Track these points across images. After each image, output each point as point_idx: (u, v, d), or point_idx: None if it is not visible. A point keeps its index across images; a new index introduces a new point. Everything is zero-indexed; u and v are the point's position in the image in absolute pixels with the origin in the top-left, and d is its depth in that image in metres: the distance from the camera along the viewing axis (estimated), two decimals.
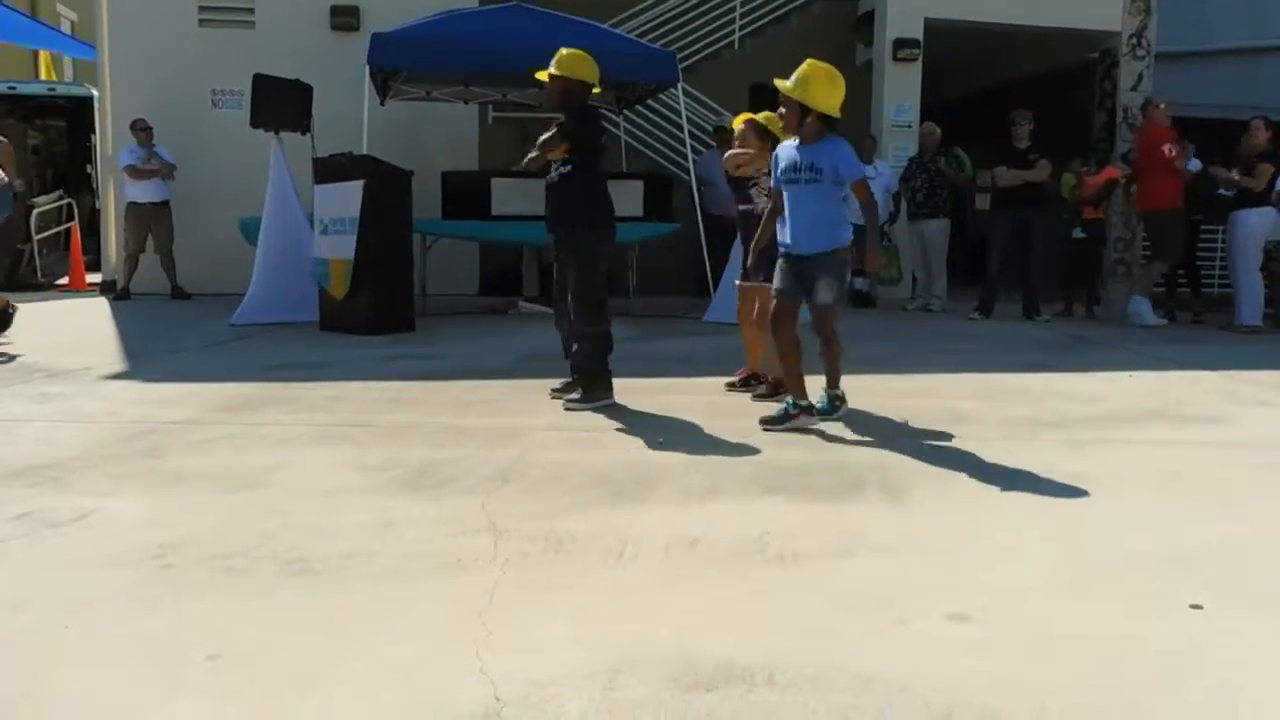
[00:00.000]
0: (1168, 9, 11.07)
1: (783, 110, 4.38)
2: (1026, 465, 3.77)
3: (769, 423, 4.37)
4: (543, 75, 4.81)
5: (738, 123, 5.23)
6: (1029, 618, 2.33)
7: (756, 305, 5.13)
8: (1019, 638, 2.22)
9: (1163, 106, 9.35)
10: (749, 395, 5.14)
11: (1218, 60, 13.22)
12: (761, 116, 5.14)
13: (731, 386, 5.29)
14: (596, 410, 4.66)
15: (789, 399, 4.44)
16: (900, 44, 11.56)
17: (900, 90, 11.65)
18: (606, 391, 4.78)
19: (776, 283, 4.48)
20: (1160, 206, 9.20)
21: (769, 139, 5.06)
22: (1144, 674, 2.05)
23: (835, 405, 4.50)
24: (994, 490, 3.46)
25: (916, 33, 11.56)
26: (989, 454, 3.95)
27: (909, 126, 11.48)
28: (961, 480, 3.58)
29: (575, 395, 4.76)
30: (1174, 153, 8.98)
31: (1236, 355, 7.20)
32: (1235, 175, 8.83)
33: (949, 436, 4.26)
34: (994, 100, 13.52)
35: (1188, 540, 2.95)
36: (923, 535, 2.95)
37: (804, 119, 4.27)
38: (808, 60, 4.31)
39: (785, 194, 4.43)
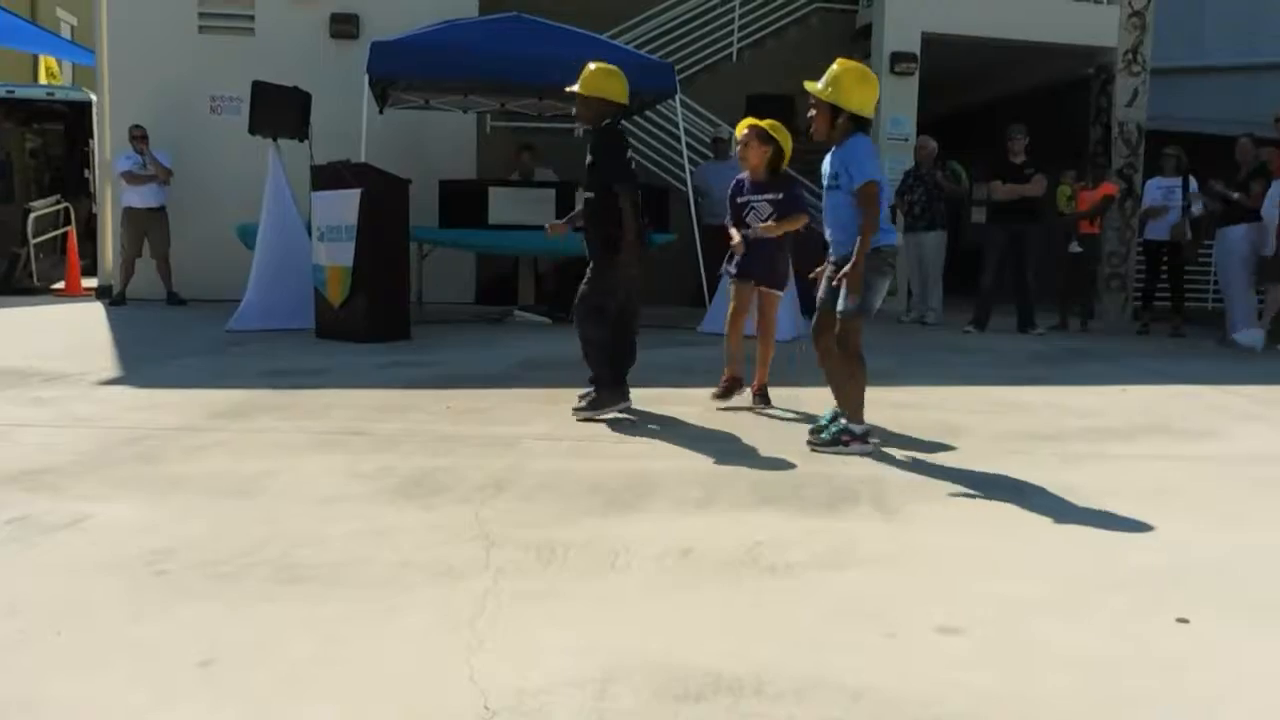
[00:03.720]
0: (1164, 25, 11.13)
1: (812, 113, 4.17)
2: (1020, 479, 3.79)
3: (819, 445, 4.18)
4: (571, 90, 4.77)
5: (740, 130, 5.24)
6: (1019, 631, 2.34)
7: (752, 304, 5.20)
8: (1009, 651, 2.22)
9: None
10: (746, 407, 5.14)
11: (1213, 77, 13.30)
12: (766, 123, 5.19)
13: (718, 397, 5.15)
14: (598, 419, 4.64)
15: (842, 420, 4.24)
16: (897, 57, 11.63)
17: (897, 103, 11.71)
18: (616, 400, 4.72)
19: (819, 292, 4.35)
20: None
21: (770, 144, 5.11)
22: (1131, 687, 2.06)
23: (839, 440, 4.13)
24: (987, 503, 3.48)
25: (914, 46, 11.63)
26: (983, 467, 3.96)
27: (906, 140, 11.54)
28: (955, 493, 3.59)
29: (583, 404, 4.74)
30: None
31: (1230, 369, 7.24)
32: (1234, 195, 8.87)
33: (943, 449, 4.27)
34: (990, 114, 13.60)
35: (1180, 554, 2.96)
36: (914, 547, 2.96)
37: (834, 121, 4.10)
38: (838, 59, 4.16)
39: (824, 199, 4.31)
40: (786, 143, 5.17)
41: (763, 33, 12.54)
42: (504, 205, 9.29)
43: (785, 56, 12.26)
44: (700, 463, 3.93)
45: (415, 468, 3.71)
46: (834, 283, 4.18)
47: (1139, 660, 2.20)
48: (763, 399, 5.16)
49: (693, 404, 5.19)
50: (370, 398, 5.17)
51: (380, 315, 7.46)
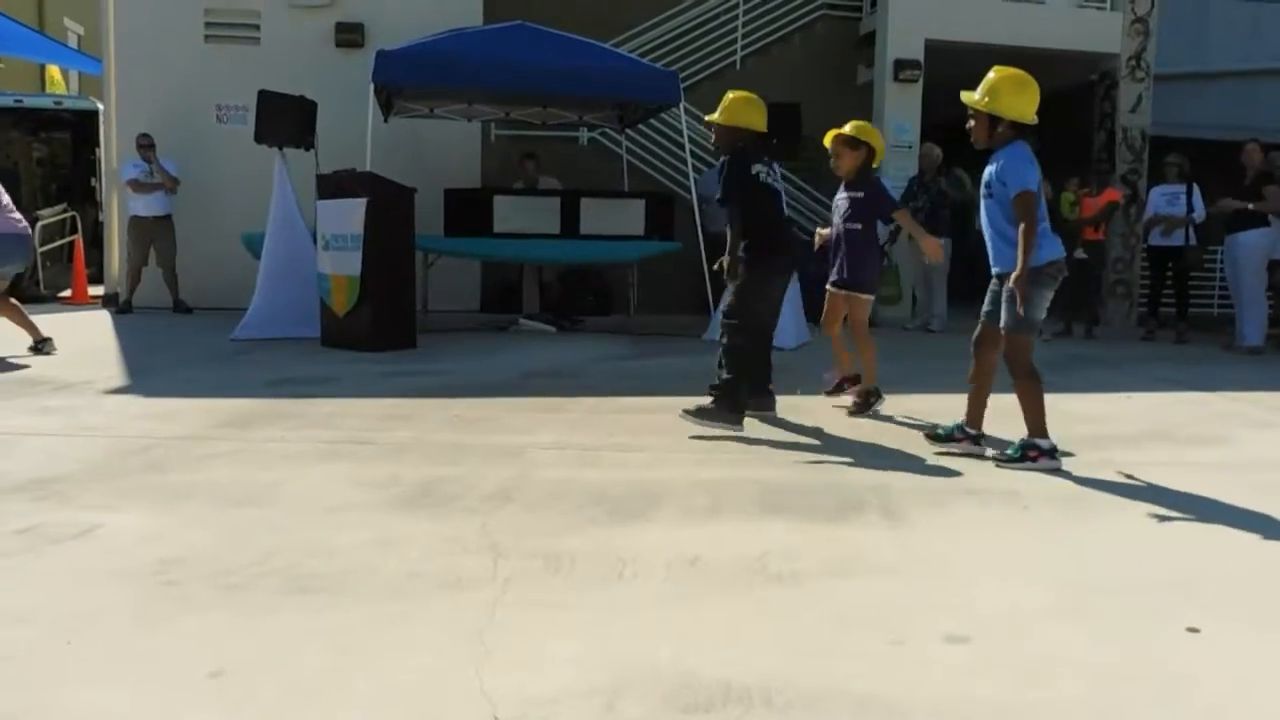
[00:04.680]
0: (1167, 31, 11.14)
1: (971, 124, 4.13)
2: (1027, 486, 3.79)
3: (935, 439, 4.42)
4: (712, 118, 4.94)
5: (828, 140, 5.40)
6: (1027, 639, 2.34)
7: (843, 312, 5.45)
8: (1016, 659, 2.23)
9: None
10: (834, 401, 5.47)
11: (1216, 82, 13.29)
12: (849, 127, 5.34)
13: (831, 394, 5.58)
14: (704, 427, 4.58)
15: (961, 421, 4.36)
16: (901, 65, 11.62)
17: (901, 111, 11.71)
18: (729, 419, 4.61)
19: (985, 305, 4.28)
20: None
21: (860, 146, 5.28)
22: (1140, 696, 2.06)
23: (1026, 455, 4.04)
24: (994, 511, 3.48)
25: (917, 54, 11.63)
26: (989, 474, 3.96)
27: (910, 147, 11.53)
28: (962, 501, 3.59)
29: (691, 408, 4.66)
30: None
31: (1237, 376, 7.22)
32: (1241, 203, 8.85)
33: (950, 457, 4.27)
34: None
35: (1187, 562, 2.96)
36: (922, 556, 2.97)
37: (994, 130, 4.04)
38: (994, 67, 4.07)
39: (980, 208, 4.25)
40: (877, 140, 5.37)
41: (766, 40, 12.56)
42: (509, 214, 9.30)
43: (790, 64, 12.28)
44: (707, 471, 3.93)
45: (422, 477, 3.71)
46: (1003, 295, 4.08)
47: (1147, 669, 2.20)
48: (864, 400, 5.29)
49: None
50: (376, 407, 5.18)
51: (386, 324, 7.46)
